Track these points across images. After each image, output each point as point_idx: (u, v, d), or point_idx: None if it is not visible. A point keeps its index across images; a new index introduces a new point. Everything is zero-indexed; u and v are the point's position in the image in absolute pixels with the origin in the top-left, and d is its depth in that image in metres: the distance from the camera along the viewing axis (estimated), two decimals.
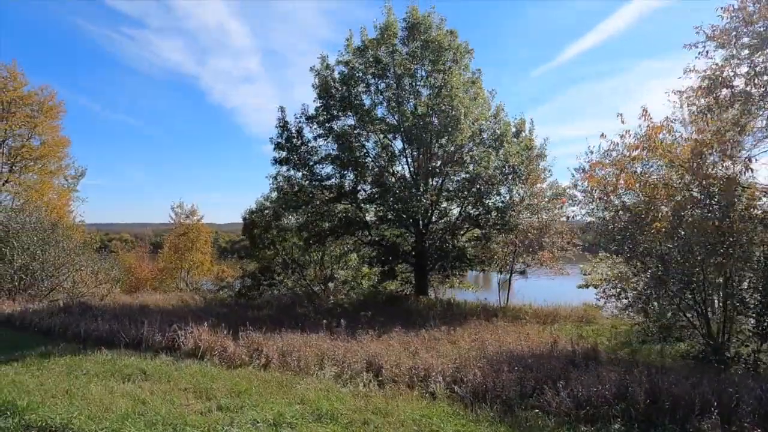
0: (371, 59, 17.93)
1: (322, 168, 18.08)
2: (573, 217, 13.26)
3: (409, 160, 18.05)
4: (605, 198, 9.06)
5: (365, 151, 17.43)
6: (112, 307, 14.14)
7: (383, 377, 6.97)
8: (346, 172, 17.27)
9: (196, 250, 33.79)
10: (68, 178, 29.15)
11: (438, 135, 16.27)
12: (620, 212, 8.94)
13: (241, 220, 35.26)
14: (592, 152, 10.57)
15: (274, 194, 20.82)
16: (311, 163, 17.70)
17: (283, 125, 17.87)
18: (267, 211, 32.61)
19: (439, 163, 17.14)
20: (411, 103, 17.72)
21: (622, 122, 9.28)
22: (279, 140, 17.82)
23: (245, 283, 32.12)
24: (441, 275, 21.68)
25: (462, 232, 18.67)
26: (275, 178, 21.54)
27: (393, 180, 16.58)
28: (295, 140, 17.64)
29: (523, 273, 18.03)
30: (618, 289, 9.83)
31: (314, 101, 18.73)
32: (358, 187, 17.51)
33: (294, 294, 20.89)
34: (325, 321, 10.79)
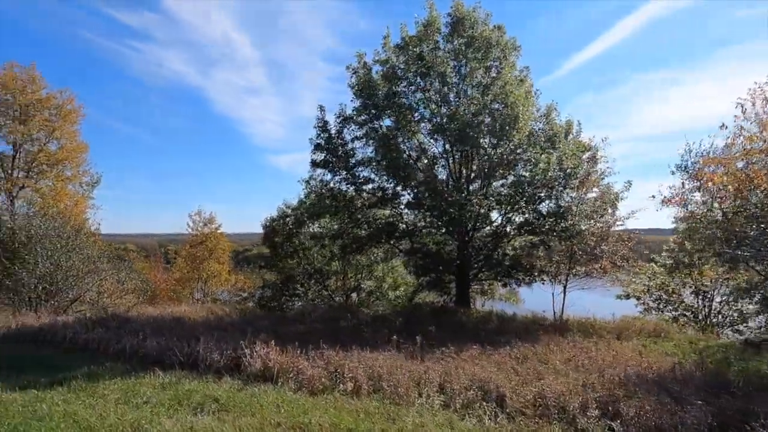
0: (414, 56, 16.91)
1: (361, 171, 17.01)
2: (678, 221, 12.01)
3: (454, 162, 16.97)
4: (738, 195, 7.88)
5: (409, 153, 16.34)
6: (145, 319, 12.97)
7: (508, 407, 5.79)
8: (387, 175, 16.14)
9: (213, 260, 32.66)
10: (84, 184, 28.20)
11: (494, 134, 15.16)
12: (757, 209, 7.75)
13: (248, 230, 34.40)
14: (691, 150, 9.48)
15: (309, 199, 19.66)
16: (352, 166, 16.59)
17: (323, 126, 16.80)
18: (288, 219, 31.71)
19: (488, 165, 15.99)
20: (457, 102, 16.66)
21: (743, 112, 8.13)
22: (318, 141, 16.73)
23: (265, 294, 31.15)
24: (482, 285, 20.53)
25: (509, 240, 17.53)
26: (308, 182, 20.51)
27: (443, 184, 15.43)
28: (335, 141, 16.55)
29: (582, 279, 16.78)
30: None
31: (351, 101, 17.80)
32: (402, 192, 16.35)
33: (330, 305, 19.55)
34: (395, 337, 9.56)
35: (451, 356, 8.87)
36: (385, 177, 16.27)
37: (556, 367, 8.31)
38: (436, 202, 14.70)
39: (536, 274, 15.62)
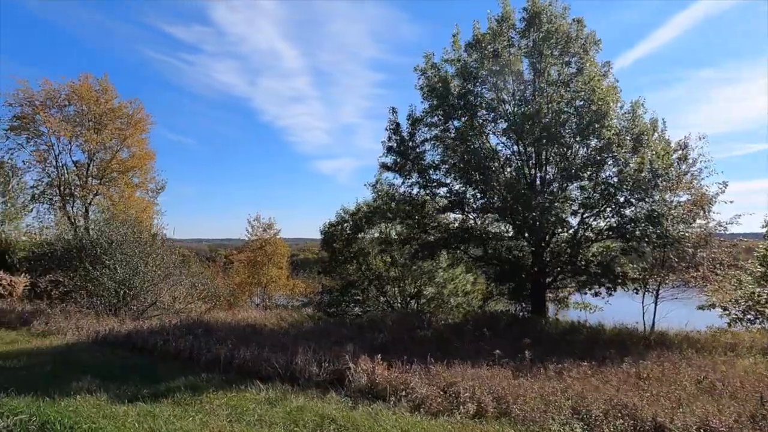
0: (489, 53, 16.22)
1: (433, 174, 16.39)
2: None
3: (530, 164, 16.11)
4: None
5: (486, 154, 15.59)
6: (223, 326, 12.83)
7: None
8: (463, 178, 15.45)
9: (272, 265, 32.87)
10: (150, 191, 29.02)
11: (581, 133, 14.23)
12: None
13: (293, 236, 34.30)
14: None
15: (377, 203, 19.19)
16: (424, 169, 16.00)
17: (395, 128, 16.36)
18: (346, 225, 31.50)
19: (571, 167, 15.02)
20: (538, 100, 15.78)
21: None
22: (390, 144, 16.28)
23: (323, 300, 31.01)
24: (555, 293, 19.45)
25: (588, 245, 16.45)
26: (374, 186, 20.11)
27: (525, 186, 14.59)
28: (408, 143, 16.04)
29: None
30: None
31: (421, 102, 17.29)
32: (478, 195, 15.62)
33: (401, 313, 18.98)
34: (498, 352, 8.87)
35: (558, 372, 8.12)
36: (459, 180, 15.60)
37: (686, 388, 7.39)
38: (518, 205, 13.91)
39: (627, 282, 14.45)
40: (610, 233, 15.05)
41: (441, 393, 6.50)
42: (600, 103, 14.13)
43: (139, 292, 15.19)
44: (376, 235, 29.81)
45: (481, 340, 12.77)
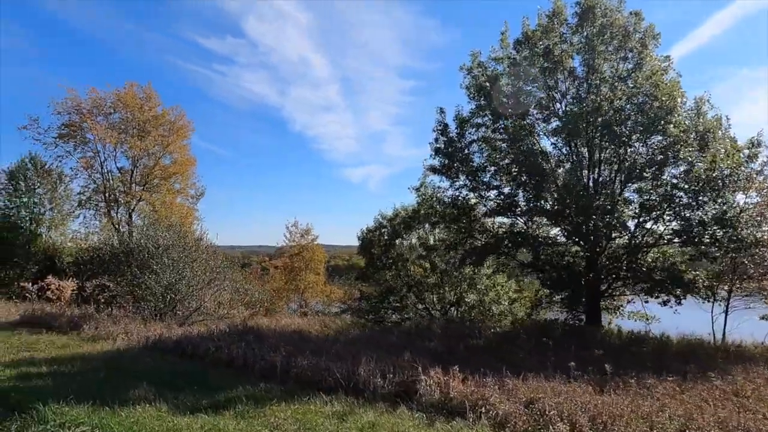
0: (540, 51, 15.56)
1: (483, 177, 15.77)
2: None
3: (583, 164, 15.31)
4: None
5: (538, 155, 14.87)
6: (270, 333, 12.50)
7: None
8: (516, 180, 14.78)
9: (309, 271, 32.70)
10: (190, 197, 29.31)
11: (647, 130, 13.38)
12: None
13: (326, 242, 33.99)
14: None
15: (423, 207, 18.63)
16: (473, 171, 15.39)
17: (443, 129, 15.83)
18: (384, 230, 31.05)
19: (632, 167, 14.15)
20: (596, 97, 14.99)
21: None
22: (438, 146, 15.75)
23: (361, 306, 30.59)
24: (607, 301, 18.46)
25: (647, 250, 15.49)
26: (418, 189, 19.59)
27: (583, 188, 13.80)
28: (457, 144, 15.47)
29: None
30: None
31: (468, 102, 16.75)
32: (533, 198, 14.89)
33: (447, 320, 18.33)
34: (572, 364, 8.18)
35: (644, 388, 7.39)
36: (511, 182, 14.93)
37: None
38: (576, 208, 13.14)
39: (697, 289, 13.45)
40: (675, 237, 14.07)
41: (523, 410, 5.90)
42: (665, 98, 13.27)
43: (184, 297, 15.07)
44: (414, 240, 29.35)
45: (540, 350, 12.04)
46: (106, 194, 25.02)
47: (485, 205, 15.97)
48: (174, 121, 26.29)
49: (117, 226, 25.26)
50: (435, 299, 27.71)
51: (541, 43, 15.76)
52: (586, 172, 15.33)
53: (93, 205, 25.50)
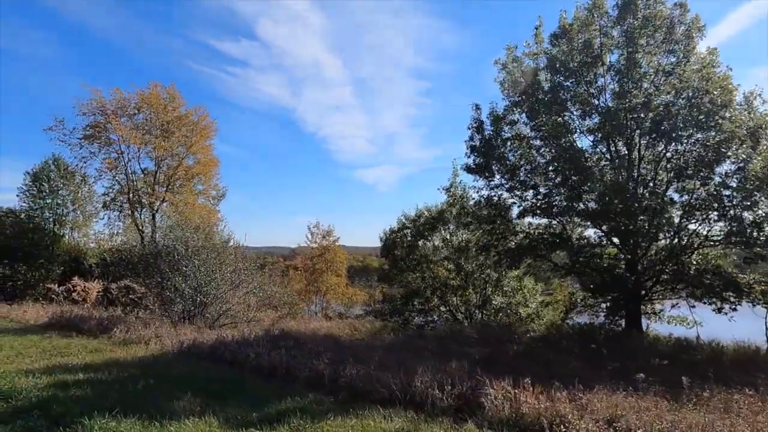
0: (579, 44, 14.97)
1: (519, 175, 15.19)
2: None
3: (625, 163, 14.65)
4: None
5: (581, 153, 14.24)
6: (302, 337, 12.07)
7: None
8: (558, 179, 14.18)
9: (331, 273, 32.33)
10: (211, 198, 29.12)
11: (699, 126, 12.72)
12: None
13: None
14: None
15: (455, 207, 18.07)
16: (512, 169, 14.80)
17: (478, 126, 15.29)
18: (407, 231, 30.51)
19: (682, 165, 13.45)
20: (647, 91, 14.34)
21: None
22: (474, 143, 15.21)
23: (384, 309, 30.05)
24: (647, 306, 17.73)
25: (692, 252, 14.77)
26: (448, 190, 19.06)
27: (628, 188, 13.13)
28: (493, 142, 14.92)
29: None
30: None
31: (502, 99, 16.20)
32: (575, 198, 14.25)
33: (483, 323, 17.74)
34: (641, 375, 7.59)
35: (725, 403, 6.79)
36: (550, 182, 14.33)
37: None
38: (623, 208, 12.50)
39: (756, 294, 12.71)
40: (726, 238, 13.36)
41: (606, 429, 5.36)
42: (717, 92, 12.61)
43: (213, 299, 14.74)
44: (437, 242, 28.77)
45: (587, 357, 11.46)
46: (130, 195, 24.90)
47: (521, 206, 15.36)
48: (197, 121, 26.11)
49: (140, 228, 25.13)
50: (459, 302, 27.15)
51: (579, 36, 15.19)
52: (627, 171, 14.71)
53: (117, 207, 25.43)
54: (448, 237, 28.03)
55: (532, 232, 15.97)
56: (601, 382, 7.87)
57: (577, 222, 16.12)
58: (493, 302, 25.54)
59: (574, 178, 13.41)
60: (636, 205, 12.42)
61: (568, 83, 15.05)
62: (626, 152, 14.79)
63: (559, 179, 13.95)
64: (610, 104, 14.68)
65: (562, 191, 14.06)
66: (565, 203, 14.03)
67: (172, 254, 14.40)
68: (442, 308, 27.65)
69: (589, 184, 13.02)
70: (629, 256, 14.80)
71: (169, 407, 6.14)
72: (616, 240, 14.77)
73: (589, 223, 15.34)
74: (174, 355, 9.92)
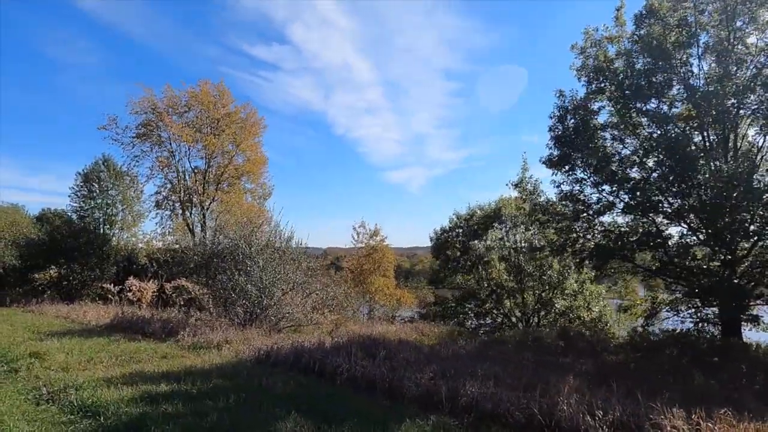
0: (674, 22, 13.57)
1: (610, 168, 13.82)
2: None
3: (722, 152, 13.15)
4: None
5: (689, 143, 12.73)
6: (383, 344, 11.11)
7: None
8: (661, 171, 12.75)
9: (379, 274, 31.39)
10: (257, 197, 28.61)
11: None
12: None
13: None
14: None
15: (531, 204, 16.79)
16: (601, 163, 13.44)
17: (562, 115, 14.04)
18: (459, 230, 29.34)
19: None
20: (740, 73, 12.89)
21: None
22: (557, 133, 13.96)
23: (437, 311, 28.95)
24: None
25: None
26: (517, 185, 17.82)
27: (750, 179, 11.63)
28: (583, 133, 13.62)
29: None
30: None
31: (583, 86, 14.91)
32: (677, 193, 12.79)
33: (562, 328, 16.44)
34: None
35: None
36: (654, 174, 12.93)
37: None
38: (743, 203, 11.06)
39: None
40: None
41: None
42: None
43: (278, 300, 13.99)
44: (490, 242, 27.45)
45: (707, 371, 10.11)
46: (182, 194, 24.58)
47: (609, 201, 13.97)
48: (246, 118, 25.63)
49: (191, 226, 24.79)
50: (513, 304, 25.81)
51: (672, 14, 13.79)
52: (725, 160, 13.20)
53: (169, 205, 25.17)
54: (504, 236, 26.79)
55: (615, 230, 14.60)
56: (747, 403, 6.68)
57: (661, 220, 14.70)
58: (556, 305, 24.18)
59: (677, 169, 11.99)
60: (751, 197, 10.95)
61: (661, 65, 13.62)
62: (721, 140, 13.31)
63: (659, 172, 12.55)
64: (710, 88, 13.22)
65: (664, 185, 12.60)
66: (672, 199, 12.58)
67: (235, 253, 13.70)
68: (495, 311, 26.42)
69: (700, 176, 11.56)
70: (729, 257, 13.30)
71: (275, 428, 5.28)
72: (718, 239, 13.28)
73: (678, 220, 13.90)
74: (252, 363, 9.09)
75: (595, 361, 10.80)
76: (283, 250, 14.40)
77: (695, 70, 13.78)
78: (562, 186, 14.50)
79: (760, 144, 12.81)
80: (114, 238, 29.17)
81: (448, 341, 13.74)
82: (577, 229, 14.97)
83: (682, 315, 15.61)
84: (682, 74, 13.66)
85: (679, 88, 13.39)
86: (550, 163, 14.26)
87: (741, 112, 13.13)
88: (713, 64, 13.50)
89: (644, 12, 14.39)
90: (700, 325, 15.08)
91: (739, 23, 13.48)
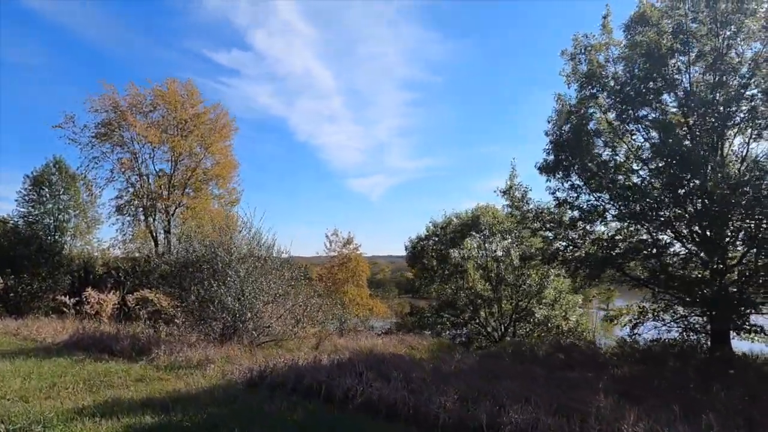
0: (668, 29, 13.51)
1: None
2: None
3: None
4: None
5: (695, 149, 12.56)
6: (379, 360, 10.25)
7: None
8: (662, 176, 12.50)
9: (353, 283, 30.42)
10: (225, 203, 27.22)
11: None
12: None
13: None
14: None
15: (518, 213, 16.31)
16: (599, 169, 13.11)
17: (560, 117, 13.67)
18: (436, 239, 28.81)
19: None
20: (734, 81, 12.91)
21: None
22: (555, 138, 13.57)
23: (408, 322, 28.29)
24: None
25: None
26: (506, 192, 17.35)
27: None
28: (577, 138, 13.27)
29: None
30: None
31: (577, 92, 14.67)
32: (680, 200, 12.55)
33: (558, 340, 15.99)
34: None
35: None
36: (655, 179, 12.68)
37: None
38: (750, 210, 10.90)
39: None
40: None
41: None
42: None
43: (257, 313, 12.91)
44: (466, 252, 27.02)
45: (722, 382, 9.77)
46: (145, 199, 22.90)
47: (606, 209, 13.69)
48: (215, 119, 24.27)
49: (154, 234, 23.16)
50: (488, 314, 25.43)
51: (666, 21, 13.77)
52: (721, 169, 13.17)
53: (131, 211, 23.40)
54: (482, 244, 26.42)
55: (610, 239, 14.34)
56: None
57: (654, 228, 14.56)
58: (536, 315, 23.93)
59: (682, 176, 11.78)
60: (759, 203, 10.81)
61: (656, 71, 13.50)
62: (710, 149, 13.29)
63: (661, 179, 12.31)
64: (702, 96, 13.19)
65: (666, 193, 12.35)
66: (672, 206, 12.35)
67: (213, 261, 12.55)
68: (473, 322, 25.94)
69: (709, 184, 11.33)
70: (721, 266, 13.23)
71: None
72: (711, 247, 13.18)
73: (668, 228, 13.77)
74: (244, 386, 8.07)
75: (603, 375, 10.30)
76: (265, 258, 13.33)
77: (688, 77, 13.78)
78: (557, 193, 14.13)
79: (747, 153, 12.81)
80: (66, 246, 27.05)
81: (441, 355, 13.04)
82: (572, 237, 14.62)
83: (667, 324, 15.56)
84: (676, 81, 13.61)
85: (673, 95, 13.27)
86: (546, 169, 13.86)
87: (729, 122, 13.15)
88: (706, 75, 13.48)
89: (635, 19, 14.32)
90: (685, 334, 15.05)
91: (728, 32, 13.58)
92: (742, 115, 12.96)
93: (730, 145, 13.62)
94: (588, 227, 14.14)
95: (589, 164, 13.14)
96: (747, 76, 13.00)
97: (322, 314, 15.00)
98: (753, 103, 12.46)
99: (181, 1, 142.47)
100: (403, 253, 29.10)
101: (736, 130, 13.50)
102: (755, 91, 12.74)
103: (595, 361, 12.08)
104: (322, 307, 14.73)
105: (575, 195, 13.83)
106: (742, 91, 12.76)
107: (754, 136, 12.79)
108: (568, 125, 13.58)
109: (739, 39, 13.43)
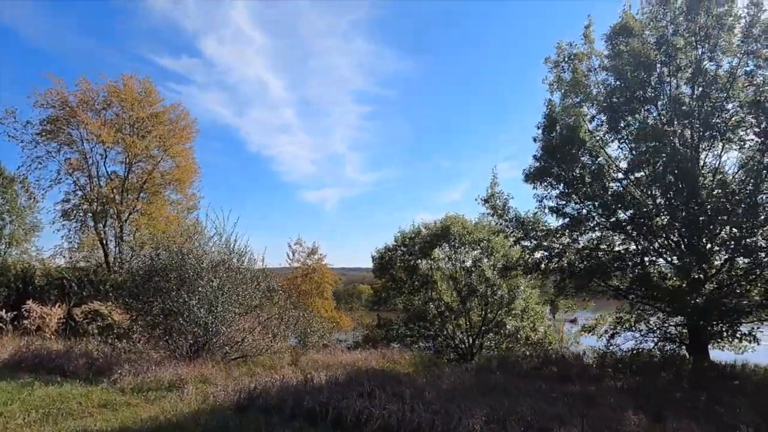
0: (651, 40, 13.64)
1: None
2: None
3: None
4: None
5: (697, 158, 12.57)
6: (367, 377, 9.40)
7: None
8: (652, 186, 12.41)
9: (317, 295, 29.23)
10: (182, 209, 25.59)
11: None
12: None
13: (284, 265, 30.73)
14: None
15: (501, 221, 15.87)
16: (591, 178, 12.88)
17: (550, 124, 13.41)
18: (404, 249, 28.20)
19: None
20: (714, 95, 13.12)
21: None
22: (545, 143, 13.27)
23: (375, 335, 27.44)
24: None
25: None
26: (486, 201, 16.93)
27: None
28: (577, 143, 13.00)
29: None
30: None
31: (562, 100, 14.57)
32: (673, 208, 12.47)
33: (544, 354, 15.55)
34: None
35: None
36: (644, 188, 12.58)
37: None
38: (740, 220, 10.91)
39: None
40: None
41: None
42: None
43: (231, 326, 11.80)
44: (434, 263, 26.54)
45: (729, 393, 9.56)
46: (95, 203, 20.98)
47: (591, 216, 13.51)
48: (176, 120, 22.72)
49: (104, 241, 21.29)
50: (455, 326, 25.00)
51: (648, 32, 13.93)
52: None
53: (79, 216, 21.37)
54: (452, 255, 26.00)
55: (592, 247, 14.19)
56: None
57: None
58: (507, 326, 23.68)
59: (681, 185, 11.71)
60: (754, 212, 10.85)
61: (640, 81, 13.56)
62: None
63: (655, 187, 12.21)
64: (684, 108, 13.34)
65: (654, 201, 12.27)
66: (667, 216, 12.23)
67: (182, 270, 11.33)
68: (442, 333, 25.39)
69: (702, 192, 11.29)
70: (701, 275, 13.30)
71: None
72: (695, 257, 13.22)
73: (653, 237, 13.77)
74: (233, 411, 7.02)
75: (604, 388, 9.93)
76: (238, 267, 12.24)
77: (672, 87, 13.92)
78: (545, 200, 13.85)
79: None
80: (0, 255, 24.54)
81: (430, 370, 12.32)
82: (555, 247, 14.37)
83: (644, 334, 15.57)
84: (662, 91, 13.73)
85: (660, 104, 13.34)
86: (534, 176, 13.55)
87: (707, 133, 13.34)
88: (689, 86, 13.66)
89: (618, 30, 14.40)
90: (662, 344, 15.09)
91: (705, 47, 13.85)
92: (725, 126, 13.13)
93: (719, 155, 13.78)
94: (575, 236, 13.90)
95: (578, 172, 12.93)
96: (725, 89, 13.24)
97: (300, 328, 13.97)
98: (735, 116, 12.63)
99: (124, 1, 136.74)
100: (357, 264, 28.47)
101: (723, 140, 13.65)
102: (735, 104, 12.99)
103: (588, 373, 11.72)
104: (300, 320, 13.67)
105: (563, 203, 13.57)
106: (723, 103, 12.97)
107: (739, 146, 12.96)
108: (555, 133, 13.35)
109: (717, 52, 13.74)
